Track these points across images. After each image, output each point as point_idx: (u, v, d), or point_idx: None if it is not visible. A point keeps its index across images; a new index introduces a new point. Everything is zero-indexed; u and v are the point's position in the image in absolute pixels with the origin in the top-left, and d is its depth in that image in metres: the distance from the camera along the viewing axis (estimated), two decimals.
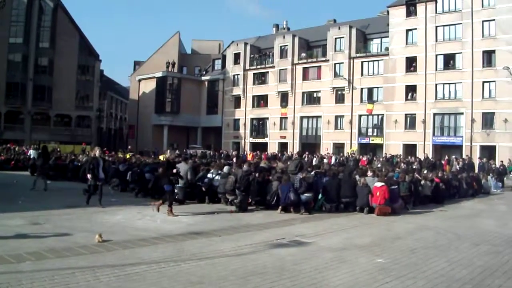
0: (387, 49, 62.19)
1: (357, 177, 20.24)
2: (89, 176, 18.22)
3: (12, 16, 73.89)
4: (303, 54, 70.65)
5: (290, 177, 18.79)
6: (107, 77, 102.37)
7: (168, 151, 17.10)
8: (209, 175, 20.53)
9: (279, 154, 56.84)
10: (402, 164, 37.33)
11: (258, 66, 75.97)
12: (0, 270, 8.62)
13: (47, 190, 22.79)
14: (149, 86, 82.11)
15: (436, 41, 57.33)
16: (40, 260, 9.43)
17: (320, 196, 19.18)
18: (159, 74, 79.32)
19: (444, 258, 10.64)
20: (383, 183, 18.11)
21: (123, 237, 11.97)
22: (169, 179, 16.75)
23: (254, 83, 76.24)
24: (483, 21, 54.02)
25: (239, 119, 77.15)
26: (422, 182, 22.90)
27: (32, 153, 37.04)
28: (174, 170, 17.67)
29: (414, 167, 31.49)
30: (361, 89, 64.30)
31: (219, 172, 20.56)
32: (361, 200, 18.39)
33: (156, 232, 13.01)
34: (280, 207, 18.01)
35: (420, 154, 51.01)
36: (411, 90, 59.30)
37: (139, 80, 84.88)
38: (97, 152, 19.39)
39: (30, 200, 19.32)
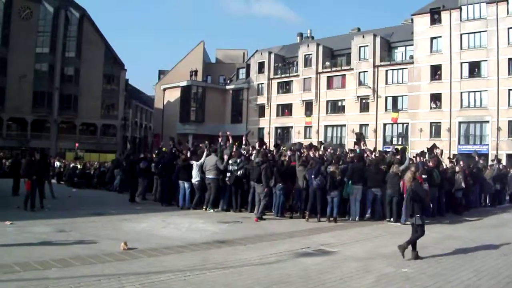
0: (411, 57, 62.05)
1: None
2: None
3: (38, 27, 75.34)
4: (327, 63, 70.77)
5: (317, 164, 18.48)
6: (132, 86, 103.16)
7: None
8: (230, 167, 19.80)
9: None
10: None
11: (282, 75, 76.25)
12: (27, 277, 8.69)
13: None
14: (173, 95, 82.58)
15: (461, 49, 57.11)
16: (66, 267, 9.48)
17: (346, 180, 18.73)
18: (184, 83, 79.78)
19: (471, 268, 10.51)
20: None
21: (148, 245, 11.99)
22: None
23: (278, 92, 76.51)
24: (508, 28, 53.82)
25: (263, 127, 77.24)
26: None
27: (57, 164, 37.41)
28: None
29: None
30: (386, 97, 64.21)
31: (237, 161, 20.09)
32: (391, 189, 18.04)
33: (181, 240, 13.02)
34: (307, 213, 17.92)
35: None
36: (436, 98, 59.07)
37: (164, 89, 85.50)
38: None
39: (56, 208, 19.46)
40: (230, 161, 19.76)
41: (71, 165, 35.90)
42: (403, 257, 11.26)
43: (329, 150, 23.35)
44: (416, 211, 11.50)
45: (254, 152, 20.23)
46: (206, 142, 23.93)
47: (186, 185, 20.60)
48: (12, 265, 9.44)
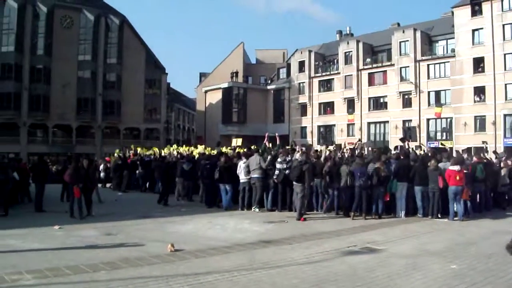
0: (453, 50, 61.28)
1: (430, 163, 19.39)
2: None
3: (80, 35, 76.74)
4: (368, 59, 70.38)
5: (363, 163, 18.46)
6: (174, 89, 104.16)
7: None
8: (278, 165, 19.46)
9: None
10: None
11: (323, 73, 76.11)
12: (77, 279, 8.85)
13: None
14: (215, 97, 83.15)
15: (504, 40, 56.04)
16: (114, 269, 9.62)
17: (392, 178, 18.61)
18: (225, 85, 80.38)
19: None
20: (459, 167, 17.47)
21: (195, 247, 12.08)
22: None
23: (319, 91, 76.38)
24: None
25: (306, 126, 77.36)
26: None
27: (102, 168, 37.65)
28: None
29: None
30: (428, 92, 63.53)
31: (286, 159, 19.74)
32: (433, 183, 17.86)
33: (227, 241, 13.07)
34: (352, 212, 17.90)
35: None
36: (479, 91, 58.16)
37: (205, 92, 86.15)
38: None
39: (103, 212, 19.68)
40: (279, 159, 19.57)
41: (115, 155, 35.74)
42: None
43: (370, 149, 23.24)
44: None
45: (298, 154, 19.92)
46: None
47: (228, 187, 20.67)
48: (62, 268, 9.59)
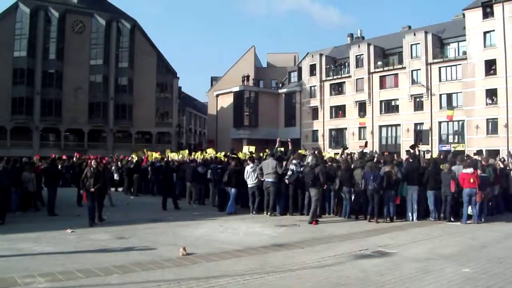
0: (464, 53, 60.83)
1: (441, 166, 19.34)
2: None
3: (92, 39, 77.23)
4: (379, 63, 70.12)
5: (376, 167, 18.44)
6: (185, 93, 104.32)
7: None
8: (292, 167, 19.44)
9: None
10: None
11: (335, 77, 75.94)
12: (89, 283, 8.89)
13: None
14: (226, 101, 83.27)
15: None
16: (127, 273, 9.64)
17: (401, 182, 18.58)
18: (236, 89, 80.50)
19: None
20: (472, 169, 17.42)
21: (207, 250, 12.08)
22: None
23: (331, 94, 76.22)
24: None
25: (317, 130, 77.22)
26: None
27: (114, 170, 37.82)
28: None
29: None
30: (440, 95, 63.11)
31: (300, 162, 19.68)
32: (445, 187, 17.84)
33: (239, 244, 13.05)
34: (369, 215, 17.92)
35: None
36: (491, 94, 57.68)
37: (217, 95, 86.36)
38: None
39: (115, 215, 19.73)
40: (294, 161, 19.54)
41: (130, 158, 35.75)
42: None
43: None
44: None
45: (309, 158, 19.89)
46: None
47: (233, 190, 20.71)
48: (75, 271, 9.64)
